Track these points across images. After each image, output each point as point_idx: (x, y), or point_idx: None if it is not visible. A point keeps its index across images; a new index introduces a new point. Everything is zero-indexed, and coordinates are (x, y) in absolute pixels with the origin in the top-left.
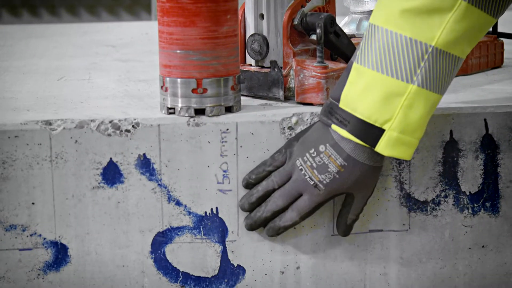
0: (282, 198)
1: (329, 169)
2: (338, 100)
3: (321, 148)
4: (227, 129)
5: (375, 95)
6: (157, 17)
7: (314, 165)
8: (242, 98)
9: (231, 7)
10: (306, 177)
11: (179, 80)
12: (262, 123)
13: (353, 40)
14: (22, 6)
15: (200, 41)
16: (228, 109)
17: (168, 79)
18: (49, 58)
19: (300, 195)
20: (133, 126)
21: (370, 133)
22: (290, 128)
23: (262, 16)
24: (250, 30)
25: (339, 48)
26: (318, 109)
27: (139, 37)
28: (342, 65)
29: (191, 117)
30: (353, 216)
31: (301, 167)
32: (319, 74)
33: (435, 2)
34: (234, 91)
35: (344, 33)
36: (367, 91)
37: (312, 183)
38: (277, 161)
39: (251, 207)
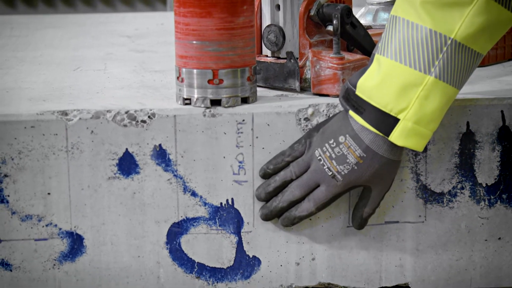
0: (300, 188)
1: (347, 160)
2: (354, 86)
3: (341, 138)
4: (243, 120)
5: (393, 85)
6: (173, 7)
7: (333, 155)
8: (258, 89)
9: None
10: (324, 167)
11: (195, 71)
12: (278, 114)
13: (370, 31)
14: None
15: (216, 32)
16: (244, 100)
17: (184, 70)
18: (65, 48)
19: (318, 186)
20: (149, 116)
21: (385, 121)
22: (306, 119)
23: (278, 7)
24: (266, 21)
25: (356, 39)
26: (334, 100)
27: (154, 28)
28: (358, 56)
29: (207, 108)
30: (369, 210)
31: (319, 157)
32: (335, 65)
33: None
34: (250, 82)
35: (360, 24)
36: (384, 80)
37: (330, 173)
38: (296, 152)
39: (268, 197)
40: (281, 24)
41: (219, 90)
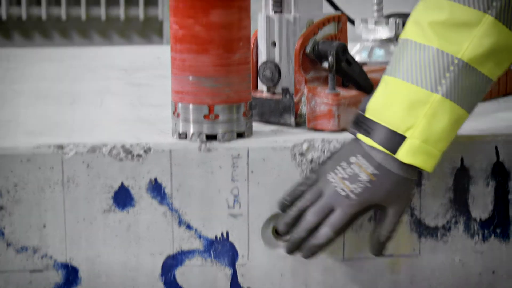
0: (314, 214)
1: (359, 178)
2: (364, 111)
3: (352, 159)
4: (238, 155)
5: (399, 103)
6: (169, 41)
7: (346, 176)
8: (254, 123)
9: (244, 34)
10: (337, 188)
11: (191, 105)
12: (274, 149)
13: (365, 68)
14: (34, 29)
15: (212, 68)
16: (240, 135)
17: (180, 104)
18: (61, 81)
19: (332, 210)
20: (144, 151)
21: (392, 139)
22: (301, 154)
23: (274, 43)
24: (262, 57)
25: (351, 76)
26: (329, 136)
27: (151, 61)
28: (353, 92)
29: (203, 142)
30: (385, 233)
31: (332, 180)
32: (330, 101)
33: (461, 16)
34: (246, 117)
35: (355, 61)
36: (391, 99)
37: (343, 194)
38: (310, 180)
39: (287, 229)
40: (276, 61)
41: (214, 125)
